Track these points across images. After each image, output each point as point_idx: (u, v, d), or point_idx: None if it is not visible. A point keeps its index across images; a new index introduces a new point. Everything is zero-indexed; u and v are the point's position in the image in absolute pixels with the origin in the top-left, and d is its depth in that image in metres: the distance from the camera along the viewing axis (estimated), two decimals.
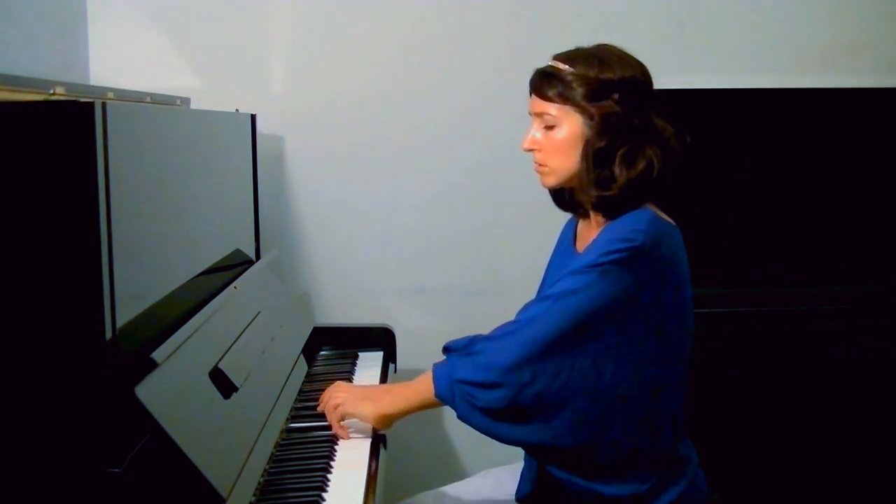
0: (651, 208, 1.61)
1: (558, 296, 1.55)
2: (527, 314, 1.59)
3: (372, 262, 2.68)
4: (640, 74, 1.63)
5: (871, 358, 2.44)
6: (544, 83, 1.63)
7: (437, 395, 1.63)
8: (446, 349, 1.67)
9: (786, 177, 2.51)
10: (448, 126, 2.65)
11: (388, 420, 1.72)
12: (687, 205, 2.39)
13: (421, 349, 2.54)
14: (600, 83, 1.59)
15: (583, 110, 1.60)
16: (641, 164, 1.58)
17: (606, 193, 1.59)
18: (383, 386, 2.03)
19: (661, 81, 2.55)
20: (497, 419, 1.58)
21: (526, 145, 1.67)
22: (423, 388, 1.67)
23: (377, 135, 2.64)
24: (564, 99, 1.61)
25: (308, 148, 2.64)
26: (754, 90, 2.58)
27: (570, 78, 1.60)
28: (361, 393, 1.78)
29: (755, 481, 2.46)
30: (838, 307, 2.44)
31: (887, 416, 2.46)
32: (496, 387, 1.55)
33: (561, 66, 1.63)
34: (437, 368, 1.65)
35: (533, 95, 1.66)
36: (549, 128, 1.63)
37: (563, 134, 1.62)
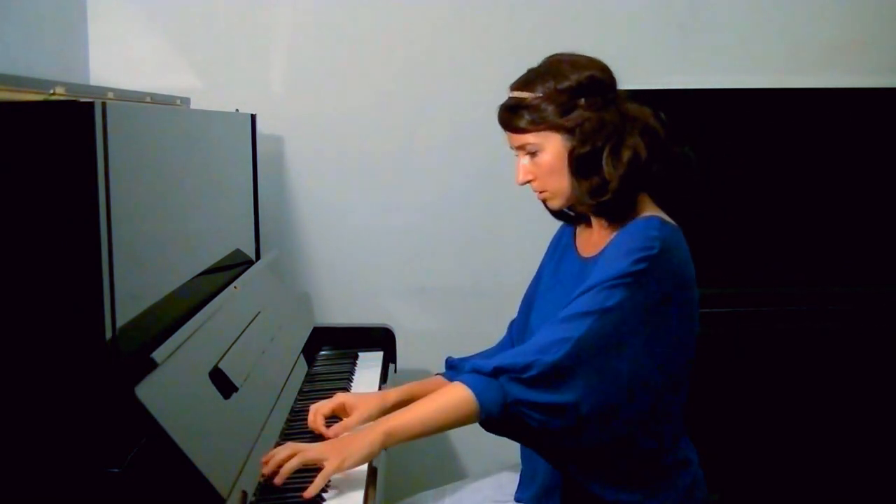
0: (655, 214, 1.62)
1: (601, 312, 1.51)
2: (572, 332, 1.50)
3: (372, 262, 2.68)
4: (596, 71, 1.63)
5: (872, 357, 2.43)
6: (513, 117, 1.64)
7: (488, 415, 1.50)
8: (498, 370, 1.50)
9: (786, 177, 2.51)
10: (448, 126, 2.65)
11: (396, 436, 1.52)
12: (686, 204, 2.40)
13: (421, 349, 2.55)
14: (563, 95, 1.59)
15: (558, 128, 1.60)
16: (627, 155, 1.57)
17: (604, 199, 1.59)
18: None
19: (661, 81, 2.59)
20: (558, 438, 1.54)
21: (520, 179, 1.67)
22: (444, 408, 1.52)
23: (377, 135, 2.64)
24: (537, 124, 1.61)
25: (308, 148, 2.64)
26: (754, 90, 2.58)
27: (534, 102, 1.61)
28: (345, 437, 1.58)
29: (755, 481, 2.46)
30: (839, 307, 2.44)
31: (888, 417, 2.46)
32: (575, 430, 1.52)
33: (521, 94, 1.63)
34: (479, 392, 1.50)
35: (507, 132, 1.66)
36: (535, 154, 1.64)
37: (549, 156, 1.62)
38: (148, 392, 1.25)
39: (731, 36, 2.68)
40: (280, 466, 1.48)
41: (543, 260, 1.87)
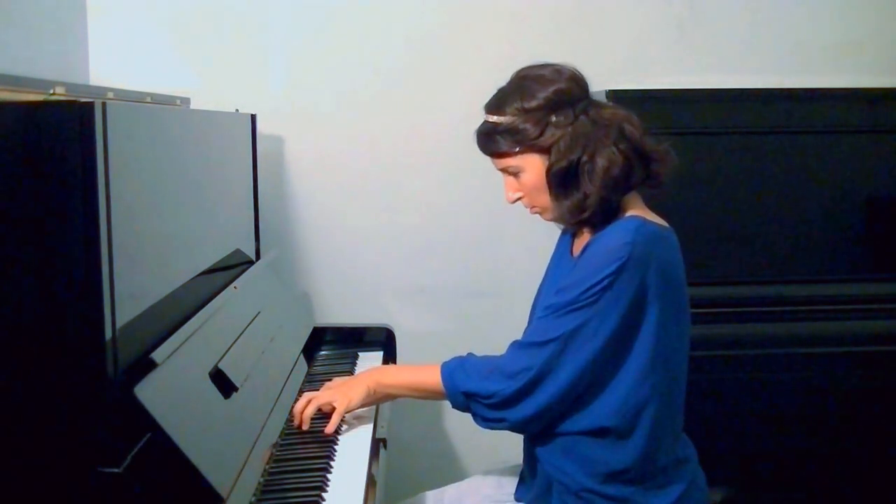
0: (638, 215, 1.60)
1: (563, 338, 1.56)
2: (533, 359, 1.58)
3: (372, 262, 2.68)
4: (563, 82, 1.62)
5: (873, 356, 2.43)
6: (490, 142, 1.65)
7: (454, 407, 1.69)
8: (468, 395, 1.64)
9: (786, 177, 2.51)
10: (448, 126, 2.65)
11: (383, 388, 1.78)
12: (686, 205, 2.40)
13: (421, 349, 2.54)
14: (533, 114, 1.60)
15: (535, 148, 1.61)
16: (603, 166, 1.56)
17: (583, 217, 1.60)
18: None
19: (661, 81, 2.59)
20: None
21: (509, 198, 1.70)
22: (422, 388, 1.75)
23: (377, 135, 2.64)
24: (513, 147, 1.62)
25: (308, 148, 2.64)
26: (754, 90, 2.58)
27: (507, 126, 1.61)
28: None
29: (756, 483, 2.46)
30: (841, 307, 2.44)
31: (889, 416, 2.46)
32: (517, 429, 1.68)
33: (494, 118, 1.64)
34: (450, 394, 1.67)
35: (487, 156, 1.68)
36: (518, 174, 1.65)
37: (532, 176, 1.63)
38: (147, 392, 1.25)
39: (731, 36, 2.68)
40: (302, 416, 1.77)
41: (550, 263, 1.88)
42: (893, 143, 2.53)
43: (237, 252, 2.11)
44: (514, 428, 1.65)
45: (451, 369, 1.67)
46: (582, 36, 2.65)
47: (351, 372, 2.20)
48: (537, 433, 1.66)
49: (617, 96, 2.35)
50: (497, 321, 2.41)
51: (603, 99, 2.32)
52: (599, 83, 2.39)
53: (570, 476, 1.62)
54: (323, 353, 2.38)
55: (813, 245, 2.51)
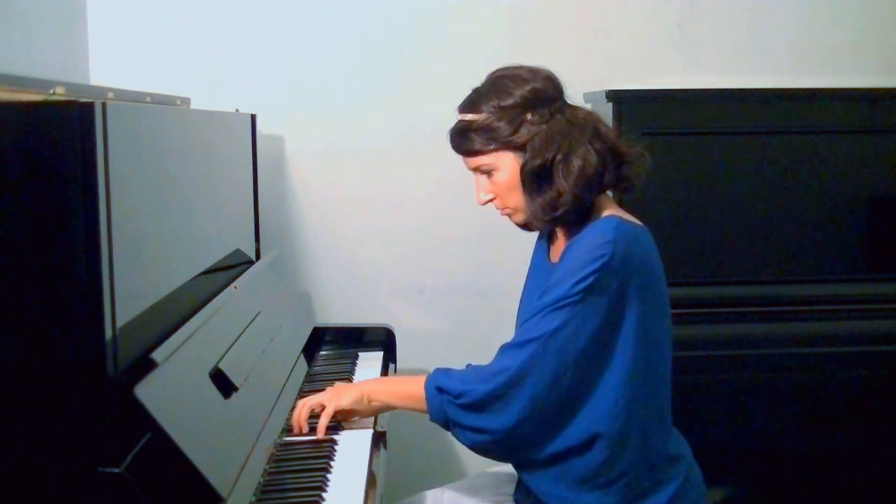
0: (614, 214, 1.61)
1: (544, 338, 1.54)
2: (512, 361, 1.56)
3: (372, 262, 2.68)
4: (538, 82, 1.62)
5: (872, 356, 2.43)
6: (464, 141, 1.65)
7: (434, 421, 1.66)
8: (440, 390, 1.62)
9: (785, 177, 2.51)
10: (448, 125, 2.64)
11: (377, 394, 1.75)
12: (685, 205, 2.40)
13: (421, 349, 2.55)
14: (509, 112, 1.60)
15: (509, 145, 1.61)
16: (577, 165, 1.57)
17: (557, 214, 1.59)
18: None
19: (661, 81, 2.59)
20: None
21: (481, 199, 1.69)
22: (408, 398, 1.71)
23: (377, 134, 2.64)
24: (488, 145, 1.62)
25: (308, 148, 2.64)
26: (754, 90, 2.58)
27: (482, 124, 1.61)
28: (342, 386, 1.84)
29: (757, 481, 2.46)
30: (838, 306, 2.44)
31: (889, 416, 2.46)
32: (503, 447, 1.62)
33: (469, 117, 1.64)
34: (430, 400, 1.64)
35: (460, 155, 1.67)
36: (491, 173, 1.65)
37: (506, 174, 1.63)
38: (147, 392, 1.25)
39: (731, 36, 2.68)
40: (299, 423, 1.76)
41: (529, 270, 1.88)
42: (893, 143, 2.53)
43: (237, 252, 2.11)
44: (499, 444, 1.60)
45: (435, 373, 1.67)
46: (582, 36, 2.65)
47: (351, 372, 2.20)
48: (525, 463, 1.64)
49: (617, 96, 2.35)
50: (497, 321, 2.40)
51: (603, 99, 2.34)
52: (599, 83, 2.41)
53: (568, 500, 1.62)
54: (323, 353, 2.38)
55: (812, 245, 2.51)
